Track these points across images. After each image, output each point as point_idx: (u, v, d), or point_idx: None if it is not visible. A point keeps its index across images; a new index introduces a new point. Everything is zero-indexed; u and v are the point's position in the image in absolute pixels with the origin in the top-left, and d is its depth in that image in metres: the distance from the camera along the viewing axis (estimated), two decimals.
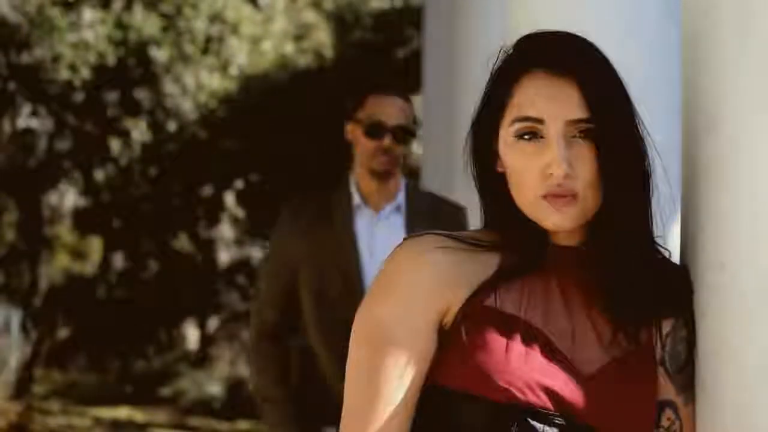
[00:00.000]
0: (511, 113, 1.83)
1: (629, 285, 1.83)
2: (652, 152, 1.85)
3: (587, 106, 1.80)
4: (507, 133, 1.84)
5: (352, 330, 1.86)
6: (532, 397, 1.77)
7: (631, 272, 1.83)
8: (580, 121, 1.80)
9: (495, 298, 1.83)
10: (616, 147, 1.80)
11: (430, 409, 1.83)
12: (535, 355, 1.79)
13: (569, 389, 1.79)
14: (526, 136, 1.82)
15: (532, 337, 1.80)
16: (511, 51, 1.87)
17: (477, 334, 1.80)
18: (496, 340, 1.79)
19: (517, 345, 1.79)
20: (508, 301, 1.83)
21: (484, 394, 1.77)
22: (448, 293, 1.83)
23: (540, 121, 1.81)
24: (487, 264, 1.86)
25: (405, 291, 1.82)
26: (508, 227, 1.88)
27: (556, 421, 1.78)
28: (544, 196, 1.80)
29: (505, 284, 1.84)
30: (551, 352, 1.80)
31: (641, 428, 1.82)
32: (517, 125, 1.82)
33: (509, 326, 1.80)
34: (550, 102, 1.81)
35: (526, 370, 1.78)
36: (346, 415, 1.83)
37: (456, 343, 1.81)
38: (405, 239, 1.88)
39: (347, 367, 1.85)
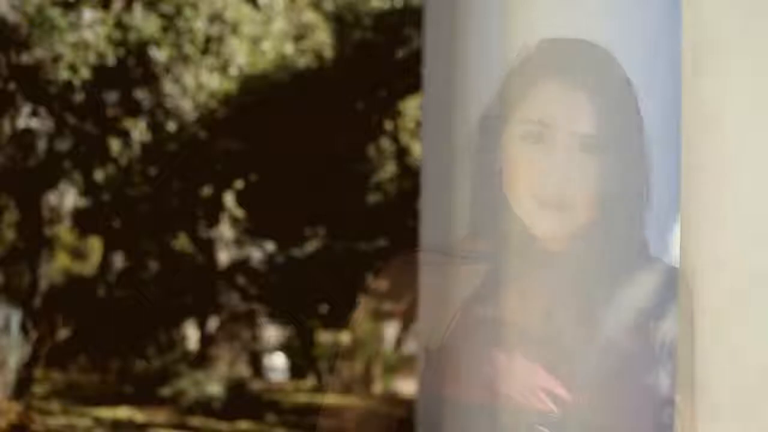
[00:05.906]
0: (522, 113, 1.85)
1: (613, 285, 1.83)
2: (650, 168, 1.86)
3: (595, 121, 1.81)
4: (514, 131, 1.85)
5: None
6: (536, 403, 1.77)
7: (614, 273, 1.83)
8: (585, 134, 1.81)
9: (487, 307, 1.82)
10: (616, 166, 1.82)
11: (435, 420, 1.83)
12: (537, 359, 1.79)
13: (572, 390, 1.79)
14: (531, 139, 1.83)
15: (531, 341, 1.80)
16: (532, 51, 1.88)
17: (475, 346, 1.80)
18: (496, 350, 1.79)
19: (518, 351, 1.79)
20: (501, 308, 1.83)
21: (488, 404, 1.77)
22: (433, 311, 1.83)
23: (547, 126, 1.82)
24: (475, 275, 1.86)
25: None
26: (496, 228, 1.88)
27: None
28: (538, 202, 1.81)
29: (495, 292, 1.84)
30: (552, 355, 1.80)
31: (643, 426, 1.82)
32: (524, 127, 1.84)
33: (507, 334, 1.80)
34: (560, 111, 1.83)
35: (528, 376, 1.78)
36: None
37: (456, 357, 1.80)
38: (390, 261, 1.89)
39: None
